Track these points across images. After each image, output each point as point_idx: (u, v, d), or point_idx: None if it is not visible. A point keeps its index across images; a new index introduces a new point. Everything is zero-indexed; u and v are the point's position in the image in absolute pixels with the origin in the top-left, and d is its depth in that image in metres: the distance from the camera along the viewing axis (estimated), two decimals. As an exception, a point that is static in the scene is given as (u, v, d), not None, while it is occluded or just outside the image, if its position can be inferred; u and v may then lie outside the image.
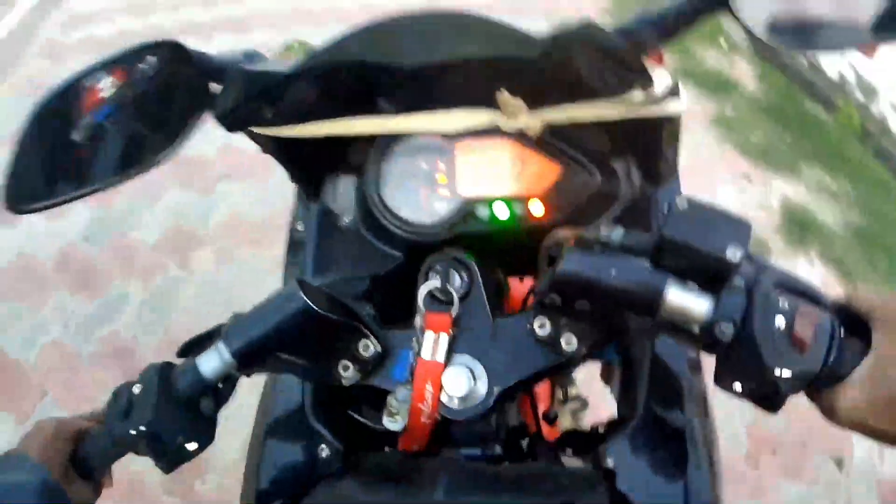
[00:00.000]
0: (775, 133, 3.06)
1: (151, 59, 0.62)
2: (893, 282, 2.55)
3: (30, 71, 3.38)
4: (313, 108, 0.69)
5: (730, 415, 1.86)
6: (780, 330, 0.46)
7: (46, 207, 0.60)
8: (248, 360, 0.57)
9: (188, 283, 2.19)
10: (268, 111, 0.67)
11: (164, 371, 0.58)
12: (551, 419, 0.95)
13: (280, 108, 0.67)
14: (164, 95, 0.65)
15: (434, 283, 0.64)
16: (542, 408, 0.94)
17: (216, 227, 2.35)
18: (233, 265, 2.21)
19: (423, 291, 0.64)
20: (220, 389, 0.60)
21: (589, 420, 0.98)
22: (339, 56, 0.62)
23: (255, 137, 0.71)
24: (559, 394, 1.16)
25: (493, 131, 0.69)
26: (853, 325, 0.48)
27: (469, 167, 0.71)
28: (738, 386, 0.49)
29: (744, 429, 1.92)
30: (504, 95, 0.65)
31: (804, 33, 0.59)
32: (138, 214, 2.41)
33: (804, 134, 3.09)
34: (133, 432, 0.56)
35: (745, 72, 3.51)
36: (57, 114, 0.58)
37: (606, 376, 0.86)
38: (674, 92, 0.65)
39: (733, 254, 0.45)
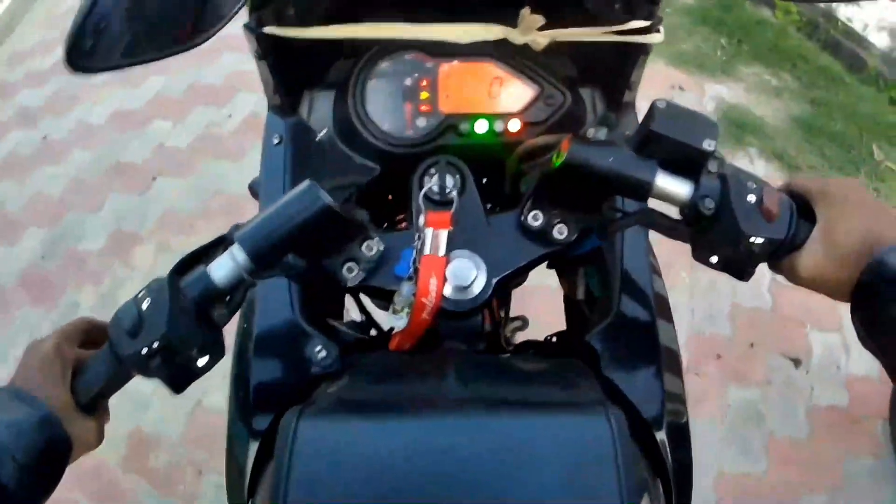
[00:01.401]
0: (710, 40, 2.99)
1: None
2: (844, 167, 2.49)
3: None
4: (326, 12, 0.72)
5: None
6: (753, 204, 0.54)
7: (106, 70, 0.61)
8: (263, 261, 0.55)
9: (132, 278, 2.27)
10: (291, 8, 0.71)
11: (172, 282, 0.54)
12: (512, 328, 0.97)
13: (299, 8, 0.71)
14: None
15: (433, 183, 0.68)
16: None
17: (153, 224, 2.42)
18: (169, 255, 2.27)
19: (421, 192, 0.67)
20: (232, 298, 0.57)
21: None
22: None
23: (261, 41, 0.72)
24: (500, 314, 1.18)
25: (479, 53, 0.75)
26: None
27: (451, 86, 0.75)
28: (714, 258, 0.57)
29: (682, 341, 1.89)
30: (527, 10, 0.70)
31: None
32: (85, 225, 2.49)
33: (744, 37, 3.02)
34: (145, 351, 0.52)
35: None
36: None
37: (569, 288, 0.89)
38: (657, 24, 0.72)
39: (708, 144, 0.54)
